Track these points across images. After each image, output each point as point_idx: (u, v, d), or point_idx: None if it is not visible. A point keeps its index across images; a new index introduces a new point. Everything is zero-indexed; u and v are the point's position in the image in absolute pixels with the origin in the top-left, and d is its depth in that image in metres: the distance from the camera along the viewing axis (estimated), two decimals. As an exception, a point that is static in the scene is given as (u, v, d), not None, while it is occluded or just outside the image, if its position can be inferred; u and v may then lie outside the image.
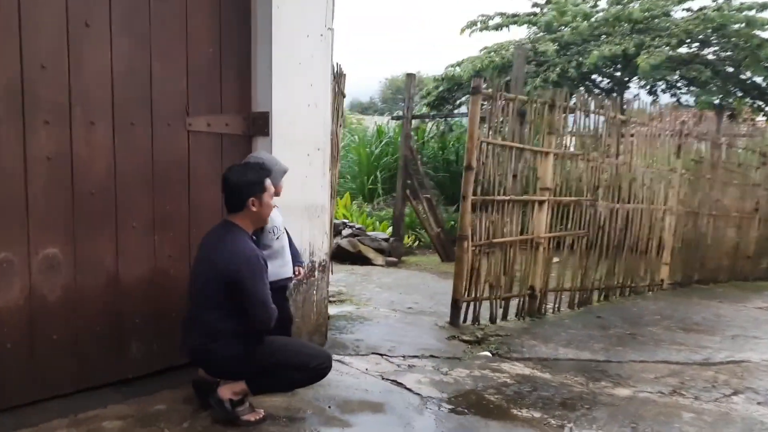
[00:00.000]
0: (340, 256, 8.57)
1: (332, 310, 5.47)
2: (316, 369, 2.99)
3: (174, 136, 3.54)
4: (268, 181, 3.00)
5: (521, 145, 5.58)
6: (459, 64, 12.80)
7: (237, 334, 2.93)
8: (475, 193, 5.18)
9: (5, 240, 2.97)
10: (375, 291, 6.66)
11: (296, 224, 3.92)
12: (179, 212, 3.55)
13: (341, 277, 7.36)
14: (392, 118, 13.83)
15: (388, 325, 5.14)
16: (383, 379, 3.81)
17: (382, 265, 8.48)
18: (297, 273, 3.59)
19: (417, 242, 10.59)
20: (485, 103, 5.29)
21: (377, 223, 10.57)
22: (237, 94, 3.82)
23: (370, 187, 14.99)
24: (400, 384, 3.74)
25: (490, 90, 5.22)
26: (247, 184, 2.95)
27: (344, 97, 5.32)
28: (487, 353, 4.62)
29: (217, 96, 3.72)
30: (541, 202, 5.82)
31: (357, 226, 9.38)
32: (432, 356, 4.37)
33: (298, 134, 3.90)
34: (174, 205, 3.55)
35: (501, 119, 5.40)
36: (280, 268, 3.40)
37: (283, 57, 3.75)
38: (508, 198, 5.45)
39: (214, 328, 2.92)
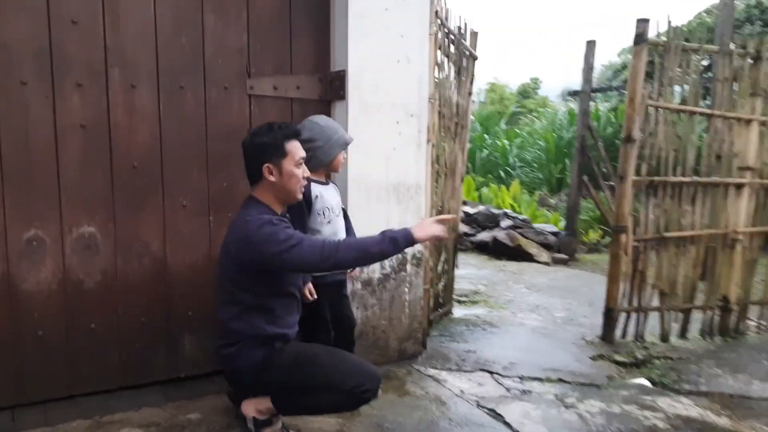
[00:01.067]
0: (496, 250, 7.75)
1: (458, 311, 4.77)
2: (353, 392, 2.33)
3: (232, 102, 3.09)
4: (290, 145, 2.40)
5: (708, 111, 4.34)
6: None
7: (255, 337, 2.40)
8: (638, 173, 4.11)
9: (34, 215, 2.75)
10: (521, 292, 5.77)
11: (378, 207, 3.29)
12: (239, 190, 3.09)
13: (486, 274, 6.57)
14: (568, 94, 12.47)
15: (518, 334, 4.29)
16: (478, 406, 3.04)
17: (545, 263, 7.49)
18: (352, 270, 2.95)
19: (605, 237, 9.17)
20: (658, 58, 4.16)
21: (549, 214, 9.47)
22: (311, 50, 3.27)
23: (558, 176, 13.79)
24: (498, 416, 2.94)
25: (662, 39, 4.09)
26: (259, 147, 2.39)
27: (476, 59, 4.52)
28: (644, 381, 3.60)
29: (285, 53, 3.20)
30: (739, 186, 4.49)
31: (521, 217, 8.45)
32: (561, 380, 3.48)
33: (383, 97, 3.25)
34: (232, 182, 3.11)
35: (678, 76, 4.21)
36: None
37: (362, 2, 3.12)
38: (688, 180, 4.26)
39: (229, 329, 2.42)
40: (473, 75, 4.52)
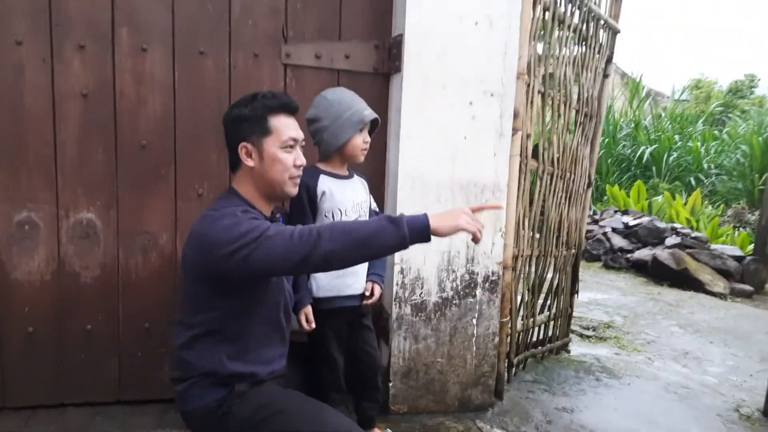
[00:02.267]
0: (656, 272, 6.54)
1: (576, 349, 3.89)
2: None
3: (262, 72, 2.59)
4: (277, 120, 1.83)
5: None
6: None
7: (210, 374, 1.84)
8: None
9: (27, 196, 2.45)
10: (669, 331, 4.65)
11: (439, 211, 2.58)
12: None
13: (630, 302, 5.47)
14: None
15: (644, 392, 3.32)
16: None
17: (719, 295, 6.13)
18: (366, 291, 2.27)
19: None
20: None
21: (736, 234, 7.92)
22: (367, 9, 2.67)
23: (761, 187, 11.77)
24: None
25: None
26: (236, 121, 1.85)
27: (616, 33, 3.58)
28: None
29: (333, 14, 2.64)
30: None
31: (694, 234, 7.07)
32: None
33: (451, 70, 2.56)
34: (259, 169, 2.58)
35: None
36: (339, 279, 2.17)
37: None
38: None
39: (180, 360, 1.89)
40: (610, 51, 3.60)
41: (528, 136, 2.86)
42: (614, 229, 7.72)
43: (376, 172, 2.70)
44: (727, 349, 4.28)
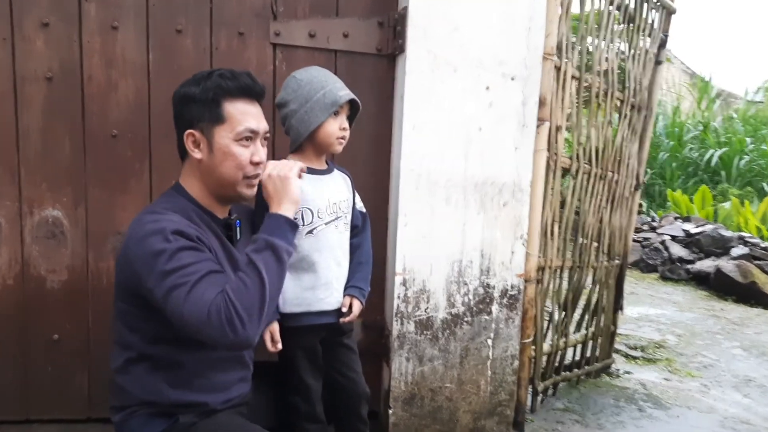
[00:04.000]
0: (719, 285, 5.98)
1: (619, 372, 3.47)
2: None
3: (248, 53, 2.31)
4: (233, 106, 1.56)
5: None
6: None
7: (149, 403, 1.58)
8: None
9: (-11, 191, 2.22)
10: (730, 354, 4.14)
11: (448, 215, 2.27)
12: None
13: (687, 319, 4.95)
14: None
15: (696, 428, 2.88)
16: None
17: (792, 312, 5.54)
18: (343, 307, 1.92)
19: None
20: None
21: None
22: (370, -19, 2.33)
23: None
24: None
25: None
26: (180, 101, 1.60)
27: (672, 12, 3.14)
28: None
29: (329, -14, 2.32)
30: None
31: (763, 244, 6.44)
32: None
33: (463, 50, 2.22)
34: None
35: None
36: (309, 291, 1.85)
37: None
38: None
39: (117, 385, 1.62)
40: (664, 34, 3.16)
41: (558, 128, 2.48)
42: (673, 238, 7.15)
43: (381, 170, 2.38)
44: (799, 378, 3.77)
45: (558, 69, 2.42)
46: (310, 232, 1.83)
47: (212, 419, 1.60)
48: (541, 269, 2.57)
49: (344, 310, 1.91)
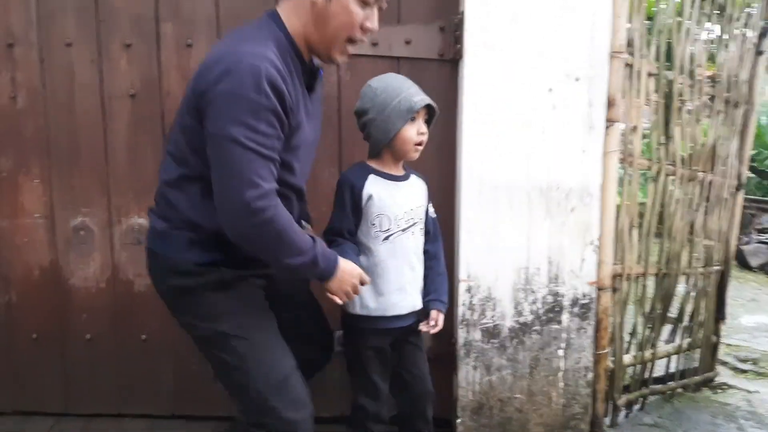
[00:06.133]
0: None
1: (723, 386, 3.26)
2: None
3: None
4: None
5: None
6: None
7: (196, 226, 1.61)
8: None
9: (82, 201, 2.46)
10: None
11: (512, 221, 2.24)
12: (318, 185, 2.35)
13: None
14: None
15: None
16: None
17: None
18: (431, 321, 1.95)
19: None
20: None
21: None
22: (430, -15, 2.34)
23: None
24: None
25: None
26: None
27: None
28: None
29: (391, -8, 2.35)
30: None
31: None
32: None
33: (523, 50, 2.17)
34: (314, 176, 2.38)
35: None
36: (384, 296, 1.89)
37: None
38: None
39: (166, 198, 1.66)
40: (766, 22, 2.94)
41: (634, 128, 2.37)
42: (810, 236, 6.61)
43: (446, 176, 2.38)
44: None
45: (630, 66, 2.31)
46: (386, 238, 1.87)
47: (246, 284, 1.68)
48: (618, 276, 2.47)
49: (432, 323, 1.94)
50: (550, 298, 2.29)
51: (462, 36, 2.18)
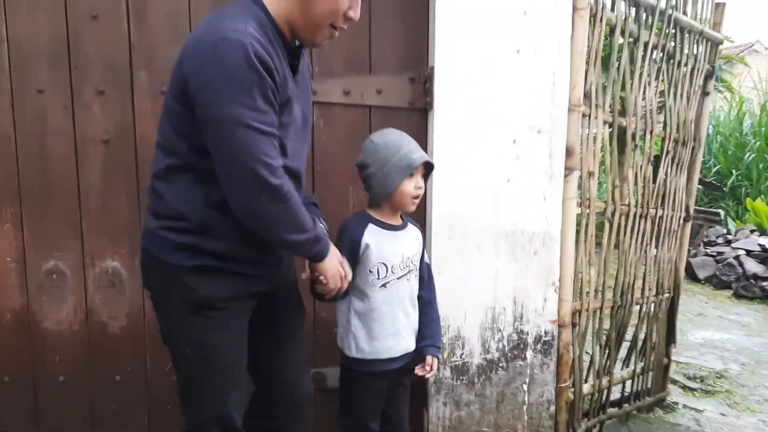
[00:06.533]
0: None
1: (674, 405, 3.45)
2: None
3: (287, 111, 2.44)
4: None
5: None
6: None
7: (180, 214, 1.61)
8: None
9: (56, 245, 2.47)
10: (797, 384, 4.02)
11: (480, 263, 2.36)
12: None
13: (755, 345, 4.79)
14: None
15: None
16: None
17: None
18: (426, 366, 2.06)
19: None
20: None
21: None
22: (399, 38, 2.47)
23: None
24: None
25: None
26: None
27: (718, 44, 3.11)
28: None
29: (362, 45, 2.46)
30: None
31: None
32: None
33: (489, 105, 2.30)
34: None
35: None
36: (379, 340, 1.99)
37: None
38: None
39: (155, 191, 1.67)
40: (710, 65, 3.14)
41: (591, 173, 2.52)
42: (749, 252, 6.90)
43: (418, 220, 2.48)
44: None
45: (587, 117, 2.47)
46: (383, 285, 1.96)
47: (228, 313, 1.66)
48: (577, 312, 2.62)
49: (428, 368, 2.03)
50: (515, 336, 2.42)
51: (432, 88, 2.29)
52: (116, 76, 2.39)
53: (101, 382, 2.55)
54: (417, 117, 2.46)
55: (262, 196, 1.45)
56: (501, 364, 2.43)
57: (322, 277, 1.73)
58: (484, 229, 2.34)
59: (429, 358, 2.05)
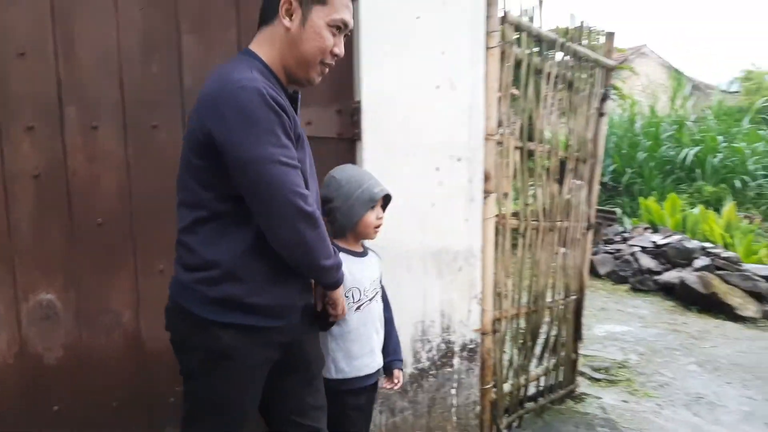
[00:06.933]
0: (684, 296, 6.33)
1: (582, 396, 3.77)
2: None
3: (219, 142, 2.54)
4: None
5: None
6: None
7: (211, 262, 1.65)
8: None
9: (-16, 280, 2.44)
10: (686, 371, 4.47)
11: (411, 282, 2.54)
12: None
13: (650, 335, 5.28)
14: None
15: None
16: None
17: (750, 319, 5.89)
18: (395, 378, 2.28)
19: None
20: None
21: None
22: (326, 75, 2.58)
23: None
24: None
25: None
26: None
27: (610, 69, 3.45)
28: None
29: (291, 79, 2.57)
30: None
31: (725, 254, 6.77)
32: None
33: (414, 136, 2.52)
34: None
35: None
36: (358, 359, 2.15)
37: (382, 6, 2.37)
38: None
39: (184, 244, 1.71)
40: (605, 89, 3.47)
41: (505, 194, 2.77)
42: (643, 249, 7.50)
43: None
44: (744, 391, 4.09)
45: (500, 144, 2.71)
46: (358, 308, 2.12)
47: (249, 361, 1.71)
48: (497, 320, 2.86)
49: (396, 381, 2.24)
50: (443, 346, 2.63)
51: (359, 121, 2.46)
52: (46, 112, 2.41)
53: (38, 412, 2.56)
54: (345, 146, 2.62)
55: (301, 224, 1.54)
56: (431, 372, 2.64)
57: (329, 304, 1.86)
58: (413, 250, 2.54)
59: (396, 372, 2.26)
